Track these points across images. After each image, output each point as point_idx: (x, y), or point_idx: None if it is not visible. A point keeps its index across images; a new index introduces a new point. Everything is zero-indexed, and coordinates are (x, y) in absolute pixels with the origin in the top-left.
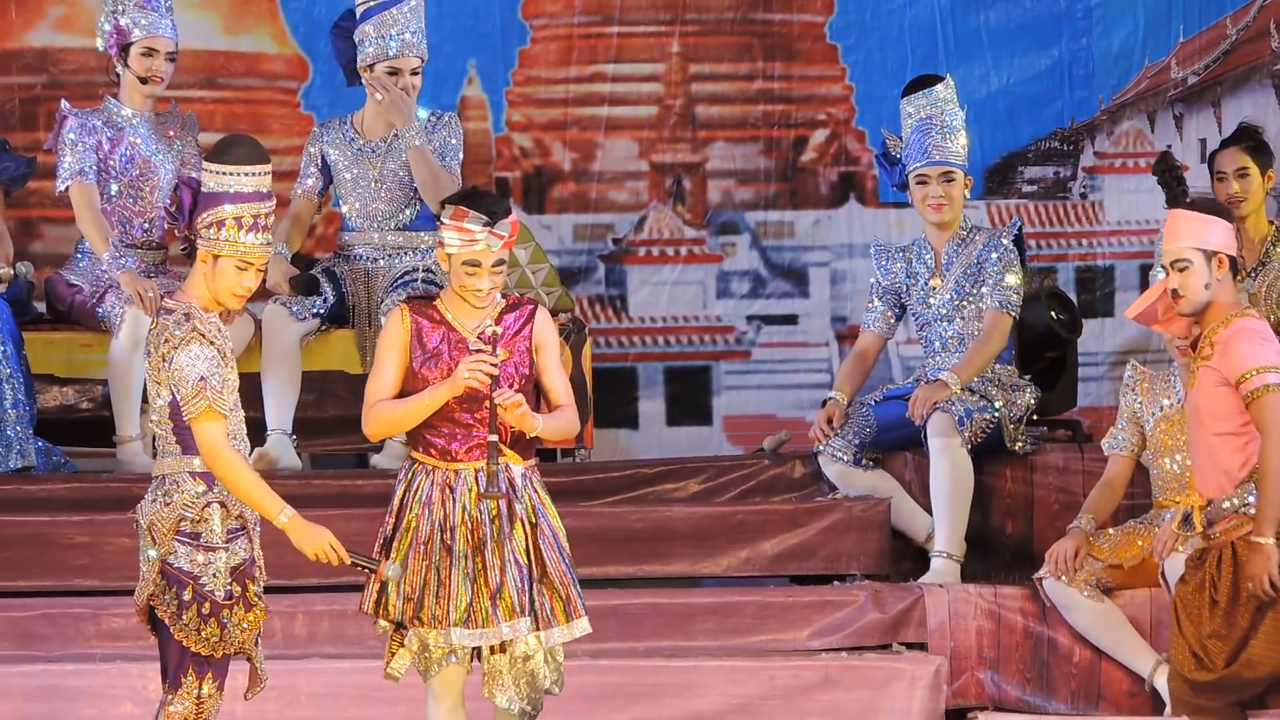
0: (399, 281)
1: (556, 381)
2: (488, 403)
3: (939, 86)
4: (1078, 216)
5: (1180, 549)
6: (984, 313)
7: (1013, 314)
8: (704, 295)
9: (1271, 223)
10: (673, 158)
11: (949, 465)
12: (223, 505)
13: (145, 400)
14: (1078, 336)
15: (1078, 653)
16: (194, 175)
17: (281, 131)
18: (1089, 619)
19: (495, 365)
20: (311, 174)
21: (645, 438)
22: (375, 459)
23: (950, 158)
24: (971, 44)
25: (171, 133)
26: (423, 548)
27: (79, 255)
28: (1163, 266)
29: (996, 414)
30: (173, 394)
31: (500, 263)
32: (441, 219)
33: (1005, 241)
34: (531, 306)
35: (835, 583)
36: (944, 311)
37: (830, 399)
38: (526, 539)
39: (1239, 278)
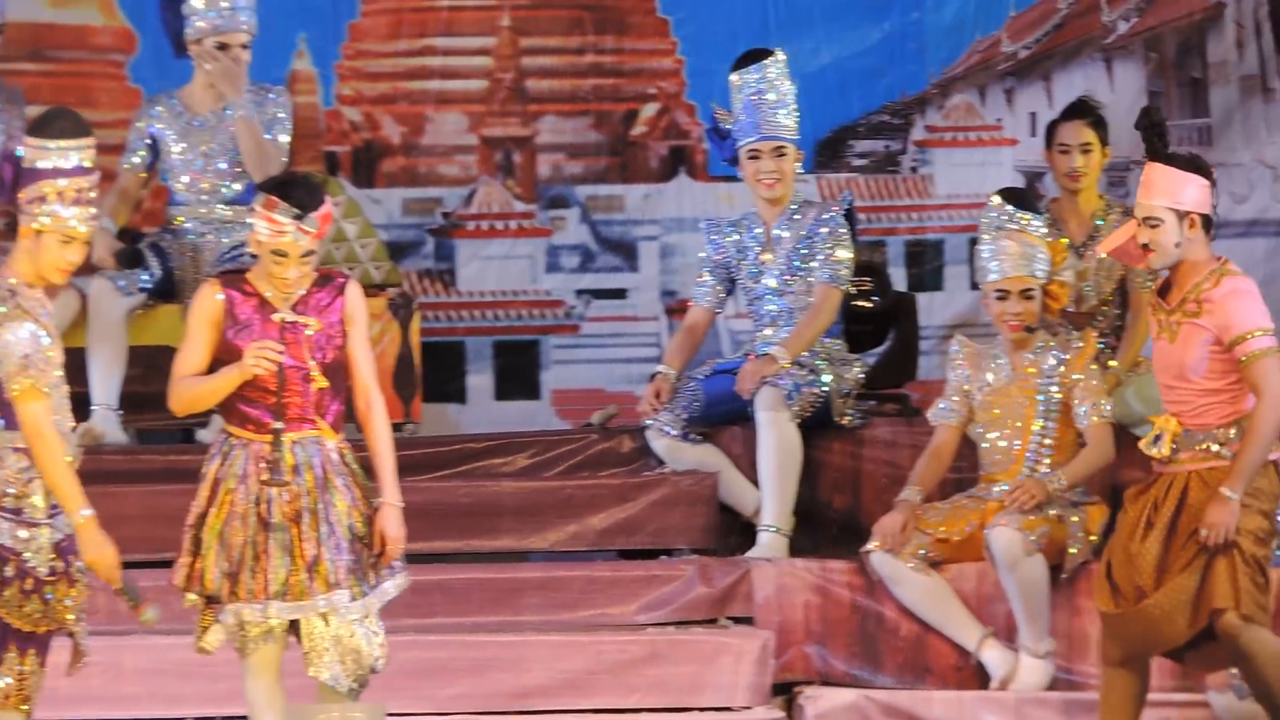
0: (227, 256)
1: (362, 359)
2: (276, 388)
3: (769, 60)
4: (908, 190)
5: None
6: (814, 287)
7: (842, 288)
8: (533, 269)
9: (1101, 197)
10: (503, 132)
11: (776, 439)
12: None
13: None
14: (885, 306)
15: (904, 626)
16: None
17: (109, 105)
18: (916, 593)
19: (281, 352)
20: (139, 149)
21: (474, 412)
22: (201, 434)
23: (781, 132)
24: (802, 18)
25: None
26: (238, 522)
27: None
28: (1136, 219)
29: (825, 388)
30: None
31: (309, 253)
32: (254, 205)
33: (836, 216)
34: (342, 280)
35: (663, 557)
36: (774, 286)
37: (659, 373)
38: (350, 510)
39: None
